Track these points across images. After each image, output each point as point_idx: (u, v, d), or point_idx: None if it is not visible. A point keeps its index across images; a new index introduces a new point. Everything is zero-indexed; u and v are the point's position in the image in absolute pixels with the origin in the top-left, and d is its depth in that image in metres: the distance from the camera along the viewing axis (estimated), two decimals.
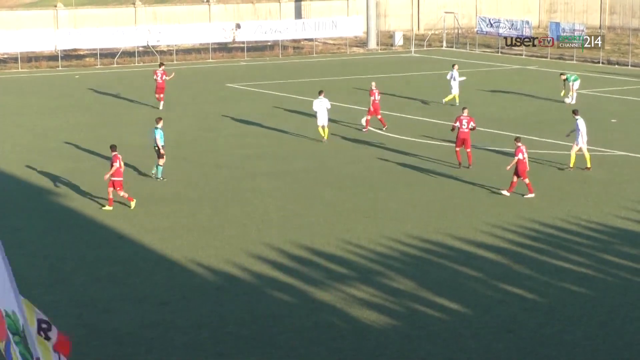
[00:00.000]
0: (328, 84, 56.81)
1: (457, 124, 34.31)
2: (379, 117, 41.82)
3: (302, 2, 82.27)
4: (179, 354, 18.58)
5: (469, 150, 34.29)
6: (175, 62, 69.14)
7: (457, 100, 47.96)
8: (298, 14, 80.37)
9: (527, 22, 71.75)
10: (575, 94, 49.10)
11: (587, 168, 33.74)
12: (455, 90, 48.46)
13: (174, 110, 48.06)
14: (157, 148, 32.92)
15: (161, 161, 32.93)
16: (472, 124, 34.26)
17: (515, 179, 30.22)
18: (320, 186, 32.05)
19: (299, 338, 19.21)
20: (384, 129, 41.62)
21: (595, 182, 32.24)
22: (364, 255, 24.47)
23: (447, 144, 37.52)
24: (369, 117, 41.89)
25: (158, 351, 18.76)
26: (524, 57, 70.23)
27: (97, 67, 66.89)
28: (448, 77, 48.94)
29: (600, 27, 79.27)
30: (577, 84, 49.29)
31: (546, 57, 68.39)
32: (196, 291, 22.08)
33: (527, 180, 30.23)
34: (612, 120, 44.37)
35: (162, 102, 48.54)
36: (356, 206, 29.36)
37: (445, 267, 23.66)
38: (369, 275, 22.95)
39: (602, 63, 65.94)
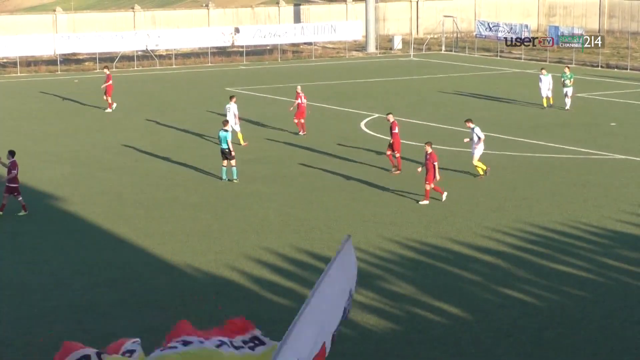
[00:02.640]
0: (327, 88, 56.86)
1: (396, 129, 34.12)
2: (296, 121, 41.91)
3: (301, 7, 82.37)
4: None
5: (398, 154, 34.30)
6: (174, 66, 69.21)
7: (550, 102, 48.63)
8: (297, 18, 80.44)
9: (526, 26, 71.81)
10: (570, 100, 48.87)
11: (485, 171, 33.10)
12: (544, 93, 48.75)
13: (173, 114, 48.07)
14: (227, 150, 33.08)
15: (229, 162, 33.08)
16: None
17: (427, 186, 29.81)
18: (319, 190, 32.03)
19: None
20: (300, 133, 41.72)
21: (595, 186, 32.22)
22: (364, 259, 24.43)
23: (449, 148, 37.52)
24: (299, 121, 42.03)
25: None
26: (522, 60, 70.24)
27: (96, 71, 66.86)
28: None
29: (599, 31, 79.30)
30: (571, 91, 48.97)
31: (545, 61, 68.38)
32: (196, 295, 22.05)
33: (428, 187, 29.67)
34: (612, 124, 44.37)
35: (111, 105, 49.39)
36: (355, 210, 29.35)
37: (444, 271, 23.66)
38: (368, 279, 22.92)
39: (601, 67, 65.96)
